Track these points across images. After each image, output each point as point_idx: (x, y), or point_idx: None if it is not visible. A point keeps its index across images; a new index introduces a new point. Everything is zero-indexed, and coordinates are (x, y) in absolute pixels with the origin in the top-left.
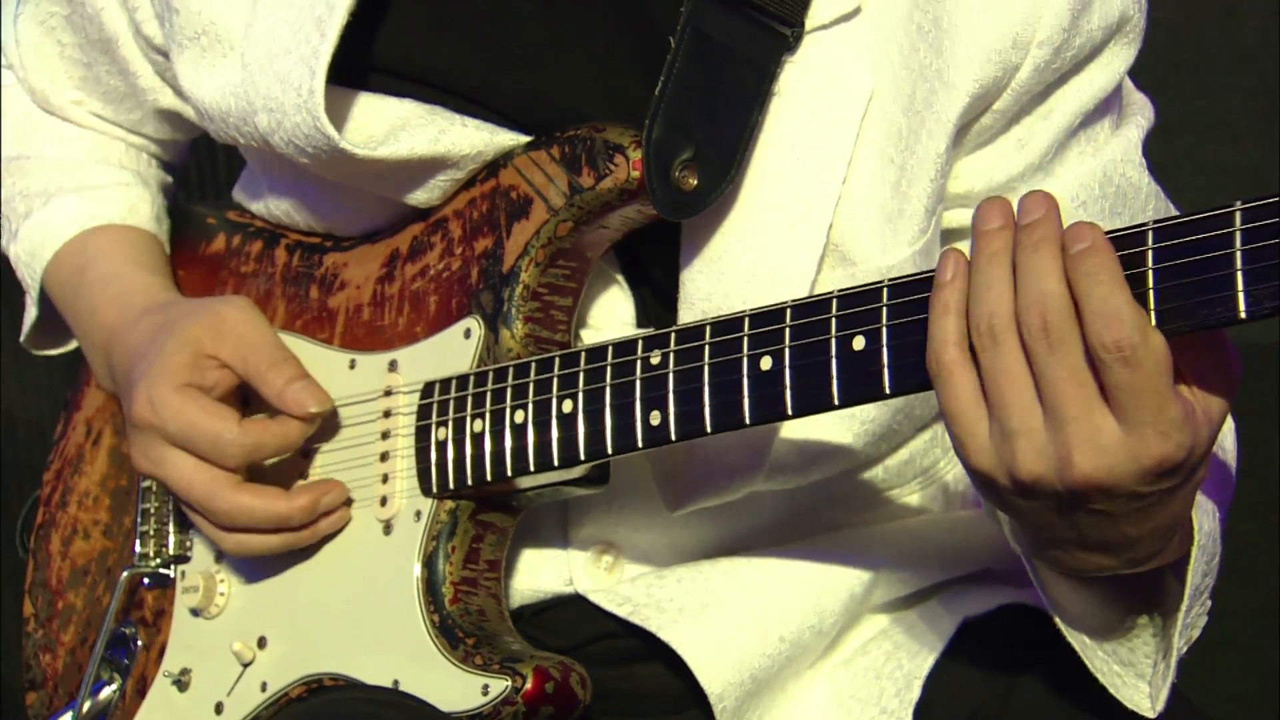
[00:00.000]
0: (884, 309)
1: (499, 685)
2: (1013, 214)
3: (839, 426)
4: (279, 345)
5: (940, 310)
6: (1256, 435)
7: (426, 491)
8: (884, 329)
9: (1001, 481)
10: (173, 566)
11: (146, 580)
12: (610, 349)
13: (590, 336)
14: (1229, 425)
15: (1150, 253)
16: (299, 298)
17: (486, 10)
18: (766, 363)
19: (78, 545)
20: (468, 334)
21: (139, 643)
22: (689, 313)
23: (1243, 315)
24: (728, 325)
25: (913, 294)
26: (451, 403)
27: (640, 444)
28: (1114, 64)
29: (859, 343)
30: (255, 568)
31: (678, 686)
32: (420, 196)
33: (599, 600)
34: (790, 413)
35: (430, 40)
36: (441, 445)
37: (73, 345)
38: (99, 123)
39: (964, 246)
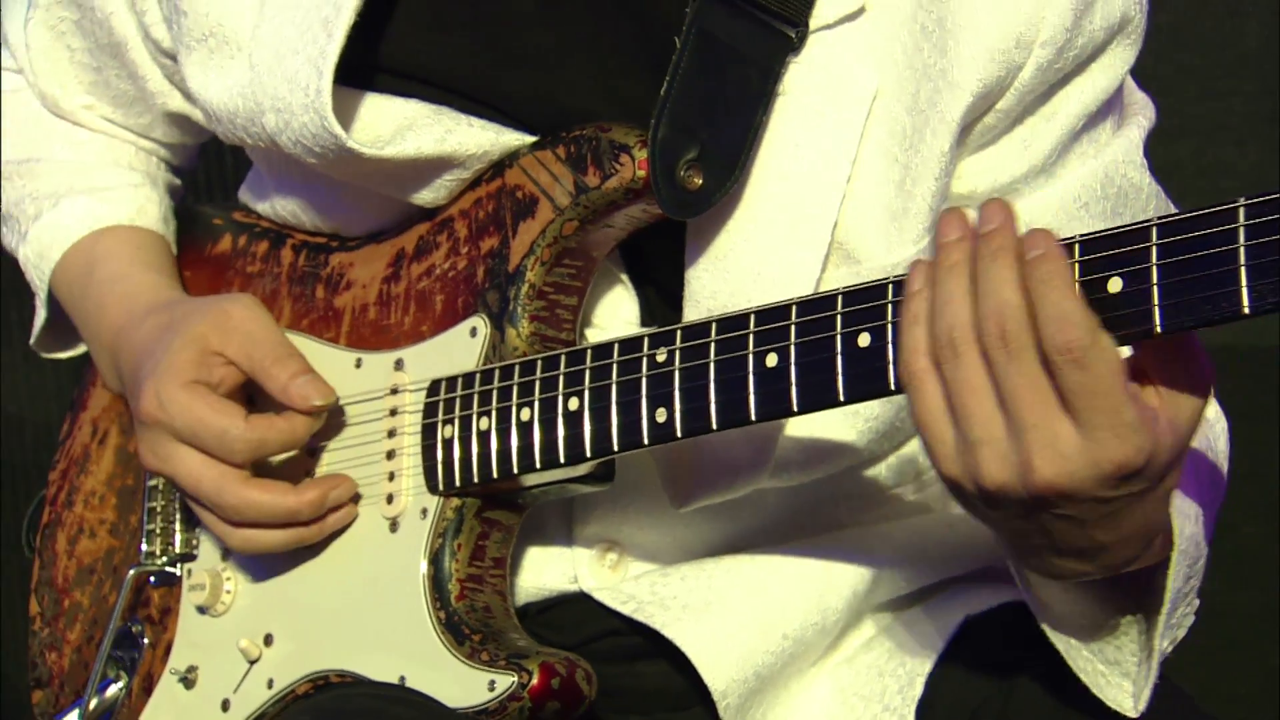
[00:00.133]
0: (889, 305)
1: (505, 681)
2: (970, 225)
3: (843, 424)
4: (284, 341)
5: (909, 321)
6: (1258, 437)
7: (433, 489)
8: (889, 325)
9: (969, 489)
10: (179, 564)
11: (153, 578)
12: (616, 346)
13: (595, 335)
14: (1222, 426)
15: (1154, 249)
16: (305, 297)
17: (492, 11)
18: (772, 360)
19: (84, 544)
20: (474, 333)
21: (145, 640)
22: (694, 311)
23: (1246, 311)
24: (733, 322)
25: None
26: (458, 401)
27: (646, 441)
28: (1116, 65)
29: (864, 339)
30: (261, 566)
31: (682, 684)
32: (426, 196)
33: (604, 598)
34: (796, 409)
35: (436, 41)
36: (448, 443)
37: (81, 349)
38: (109, 126)
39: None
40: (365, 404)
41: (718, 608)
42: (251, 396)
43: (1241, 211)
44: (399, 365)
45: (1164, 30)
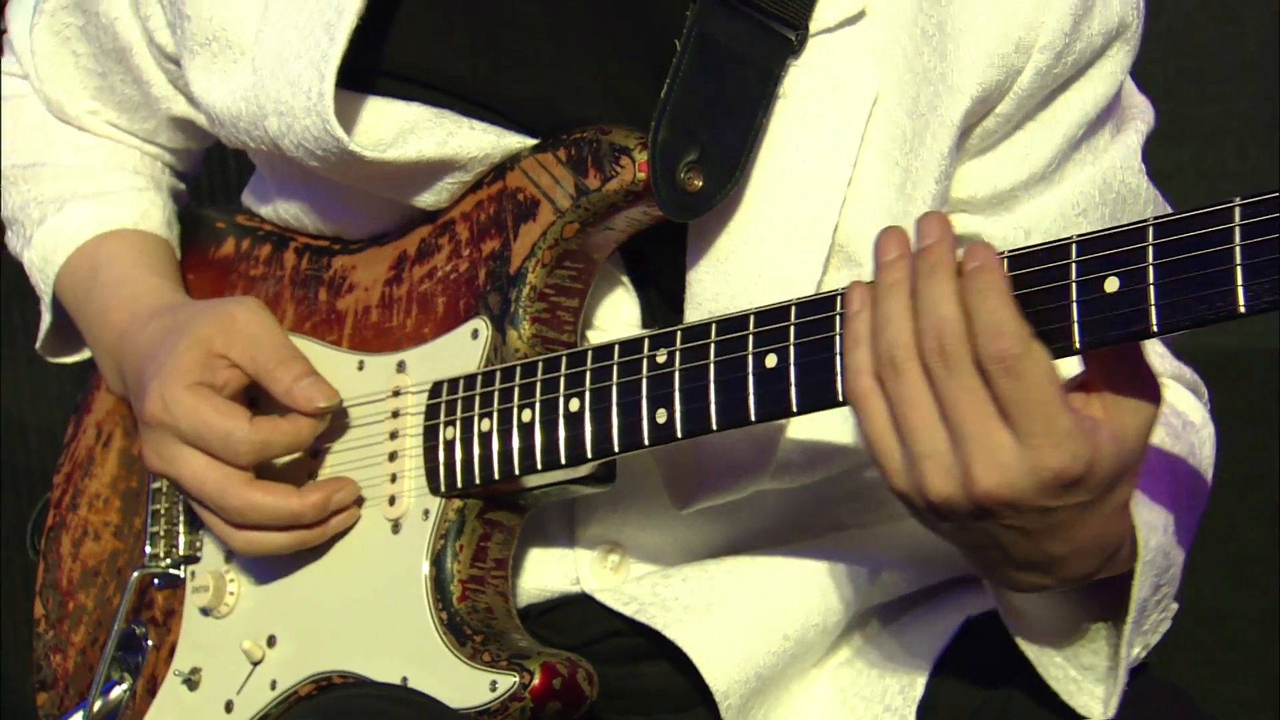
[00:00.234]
0: None
1: (507, 681)
2: (909, 243)
3: (844, 425)
4: (287, 344)
5: (852, 342)
6: (1259, 442)
7: (435, 490)
8: None
9: (918, 502)
10: (183, 567)
11: (157, 580)
12: (617, 348)
13: (596, 338)
14: (1209, 432)
15: (1150, 249)
16: (308, 300)
17: (494, 15)
18: (771, 360)
19: (88, 547)
20: (475, 334)
21: (149, 642)
22: (695, 313)
23: (1242, 310)
24: (733, 324)
25: None
26: (459, 402)
27: (646, 442)
28: (1114, 71)
29: None
30: (265, 567)
31: (683, 684)
32: (428, 199)
33: (605, 599)
34: (795, 409)
35: (438, 44)
36: (449, 445)
37: (86, 354)
38: (114, 132)
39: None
40: (367, 406)
41: (719, 609)
42: (254, 399)
43: (1237, 211)
44: (401, 367)
45: (1164, 34)
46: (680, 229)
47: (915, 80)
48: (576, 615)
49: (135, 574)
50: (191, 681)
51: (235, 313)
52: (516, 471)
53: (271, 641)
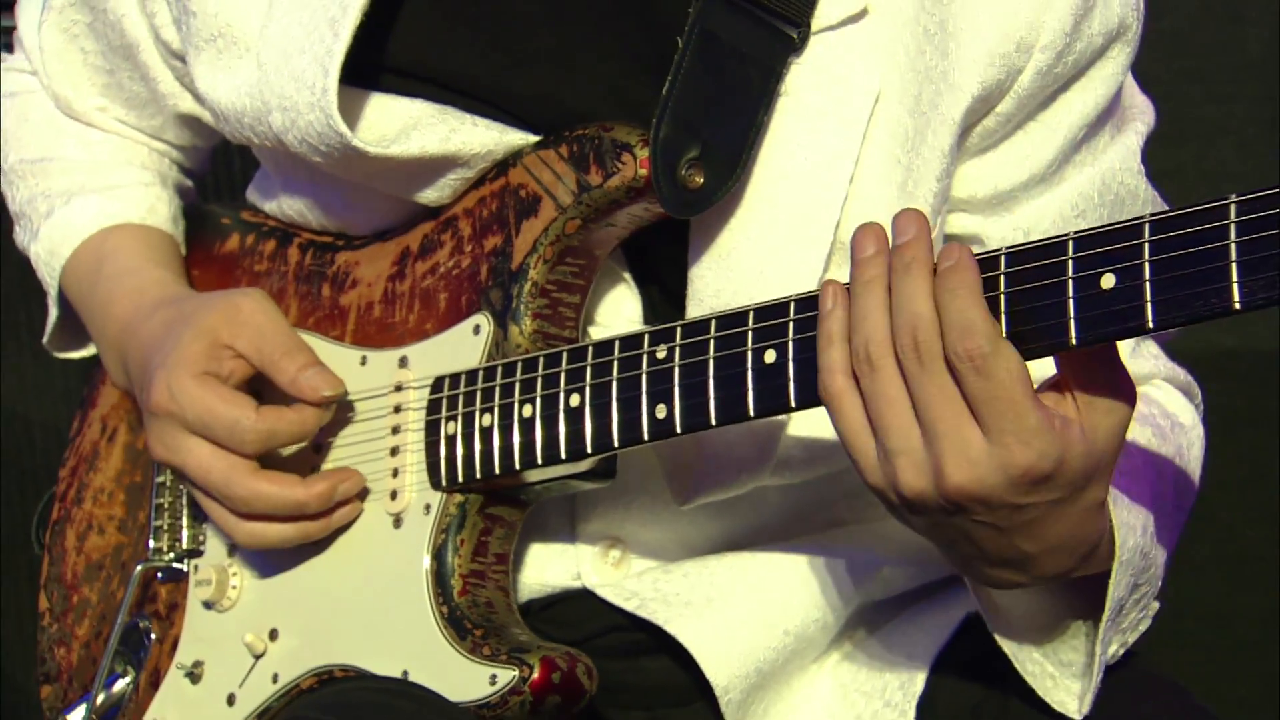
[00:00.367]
0: None
1: (506, 675)
2: (886, 239)
3: None
4: (292, 335)
5: (825, 341)
6: (1259, 442)
7: (436, 485)
8: None
9: (892, 498)
10: (186, 560)
11: (160, 574)
12: (617, 343)
13: (598, 334)
14: (1198, 433)
15: (1146, 245)
16: (311, 296)
17: (497, 12)
18: (770, 356)
19: (93, 540)
20: (477, 330)
21: (152, 636)
22: (697, 309)
23: (1237, 306)
24: (732, 319)
25: None
26: (460, 397)
27: (646, 437)
28: (1114, 72)
29: None
30: (267, 561)
31: (684, 679)
32: (431, 195)
33: (606, 595)
34: (793, 404)
35: (441, 41)
36: (451, 439)
37: (93, 349)
38: (123, 128)
39: None
40: (370, 401)
41: (720, 604)
42: (258, 392)
43: (1233, 208)
44: (403, 363)
45: (1166, 35)
46: (682, 225)
47: (917, 78)
48: (578, 610)
49: (139, 568)
50: (194, 675)
51: (240, 303)
52: (517, 466)
53: (273, 635)
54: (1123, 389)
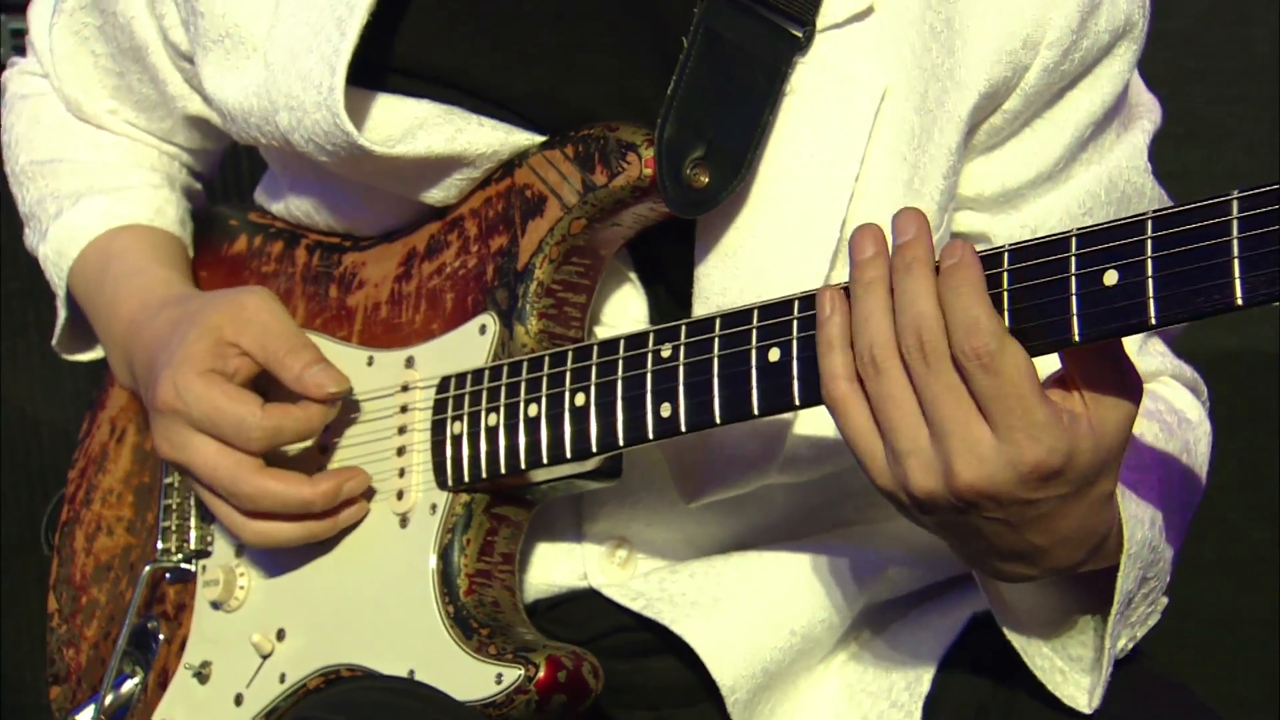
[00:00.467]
0: None
1: (512, 674)
2: (884, 240)
3: None
4: (297, 333)
5: (825, 347)
6: (1261, 443)
7: (442, 485)
8: None
9: (902, 499)
10: (194, 561)
11: (168, 575)
12: (622, 342)
13: (604, 334)
14: (1205, 430)
15: (1149, 242)
16: (318, 296)
17: (503, 12)
18: (774, 354)
19: (101, 541)
20: (483, 330)
21: (160, 636)
22: (704, 308)
23: (1239, 302)
24: (737, 318)
25: None
26: (466, 397)
27: (651, 436)
28: (1121, 70)
29: None
30: (274, 562)
31: (691, 679)
32: (437, 195)
33: (613, 595)
34: (798, 403)
35: (447, 41)
36: (457, 439)
37: (101, 352)
38: (133, 130)
39: None
40: (376, 401)
41: (726, 604)
42: (264, 391)
43: (1235, 204)
44: (410, 363)
45: (1173, 36)
46: (688, 225)
47: (923, 76)
48: (584, 610)
49: (147, 568)
50: (202, 675)
51: (246, 301)
52: (523, 466)
53: (281, 635)
54: (1129, 383)
